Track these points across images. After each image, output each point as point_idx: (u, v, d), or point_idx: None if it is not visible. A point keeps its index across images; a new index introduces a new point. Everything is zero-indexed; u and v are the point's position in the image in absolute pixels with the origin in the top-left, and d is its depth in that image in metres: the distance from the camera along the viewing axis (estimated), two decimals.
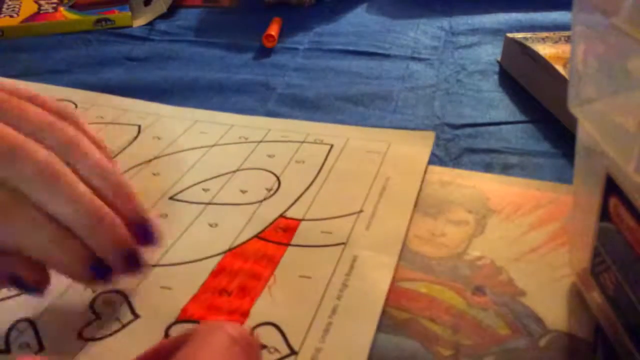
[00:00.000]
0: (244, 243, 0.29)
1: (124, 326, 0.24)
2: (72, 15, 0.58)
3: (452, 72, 0.49)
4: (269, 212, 0.31)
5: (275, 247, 0.29)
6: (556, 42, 0.45)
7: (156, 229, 0.25)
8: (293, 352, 0.23)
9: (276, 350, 0.23)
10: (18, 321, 0.24)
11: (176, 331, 0.24)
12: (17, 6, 0.60)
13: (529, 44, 0.44)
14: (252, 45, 0.54)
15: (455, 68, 0.49)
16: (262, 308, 0.25)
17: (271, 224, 0.30)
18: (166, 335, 0.24)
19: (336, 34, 0.57)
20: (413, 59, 0.52)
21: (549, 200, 0.32)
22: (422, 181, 0.34)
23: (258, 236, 0.30)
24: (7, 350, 0.23)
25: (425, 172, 0.34)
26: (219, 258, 0.28)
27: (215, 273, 0.27)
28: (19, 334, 0.24)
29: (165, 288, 0.26)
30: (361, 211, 0.31)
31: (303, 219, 0.31)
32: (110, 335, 0.24)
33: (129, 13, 0.59)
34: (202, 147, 0.37)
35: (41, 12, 0.59)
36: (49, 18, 0.58)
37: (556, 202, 0.32)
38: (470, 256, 0.28)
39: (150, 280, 0.27)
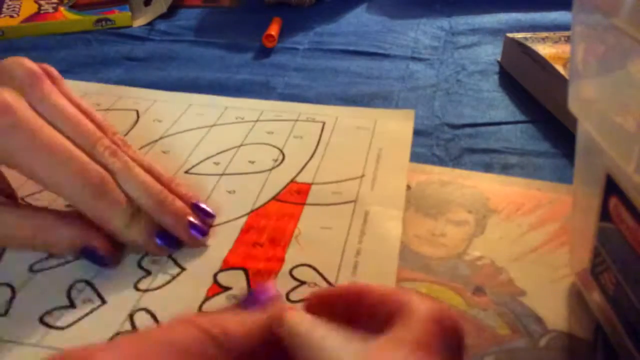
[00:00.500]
0: (263, 205, 0.32)
1: (174, 277, 0.27)
2: (72, 15, 0.58)
3: (452, 72, 0.49)
4: (280, 179, 0.34)
5: (293, 207, 0.31)
6: (556, 42, 0.45)
7: (208, 206, 0.30)
8: (331, 285, 0.26)
9: (316, 284, 0.26)
10: (75, 282, 0.26)
11: (223, 278, 0.27)
12: (17, 6, 0.60)
13: (529, 44, 0.44)
14: (252, 45, 0.54)
15: (455, 68, 0.49)
16: (294, 254, 0.28)
17: (284, 187, 0.33)
18: (215, 281, 0.26)
19: (336, 34, 0.57)
20: (413, 59, 0.51)
21: (549, 200, 0.32)
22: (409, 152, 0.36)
23: (275, 199, 0.32)
24: (72, 305, 0.25)
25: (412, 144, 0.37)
26: (245, 219, 0.30)
27: (245, 230, 0.30)
28: (79, 292, 0.26)
29: (205, 246, 0.29)
30: (363, 175, 0.34)
31: (313, 183, 0.33)
32: (164, 285, 0.26)
33: (129, 13, 0.59)
34: (202, 127, 0.39)
35: (41, 12, 0.59)
36: (49, 18, 0.58)
37: (556, 202, 0.32)
38: (470, 256, 0.28)
39: None
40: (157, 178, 0.29)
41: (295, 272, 0.27)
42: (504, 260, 0.28)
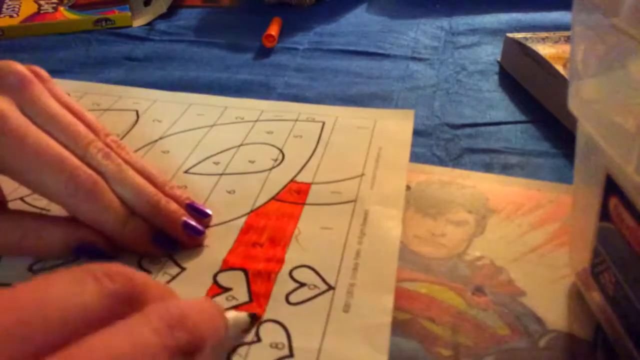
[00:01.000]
0: (263, 205, 0.31)
1: (173, 278, 0.27)
2: (72, 15, 0.58)
3: (452, 72, 0.49)
4: (280, 178, 0.34)
5: (293, 207, 0.31)
6: (556, 42, 0.45)
7: (203, 206, 0.30)
8: (330, 288, 0.26)
9: (315, 286, 0.26)
10: None
11: (223, 278, 0.27)
12: (17, 6, 0.60)
13: (529, 44, 0.44)
14: (252, 45, 0.54)
15: (455, 68, 0.49)
16: (294, 254, 0.28)
17: (284, 187, 0.33)
18: (214, 282, 0.26)
19: (336, 34, 0.57)
20: (413, 59, 0.51)
21: (549, 200, 0.32)
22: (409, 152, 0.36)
23: (275, 198, 0.32)
24: None
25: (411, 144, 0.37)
26: (244, 218, 0.30)
27: (245, 231, 0.30)
28: None
29: (202, 246, 0.29)
30: (363, 175, 0.34)
31: (313, 183, 0.33)
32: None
33: (129, 13, 0.59)
34: (202, 127, 0.39)
35: (41, 12, 0.59)
36: (49, 18, 0.58)
37: (556, 202, 0.32)
38: (470, 256, 0.28)
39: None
40: (151, 180, 0.29)
41: (295, 274, 0.27)
42: (504, 260, 0.28)
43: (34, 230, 0.26)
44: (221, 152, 0.36)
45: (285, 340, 0.23)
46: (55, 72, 0.49)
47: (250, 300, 0.25)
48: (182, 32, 0.58)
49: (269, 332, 0.24)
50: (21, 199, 0.31)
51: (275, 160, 0.35)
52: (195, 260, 0.28)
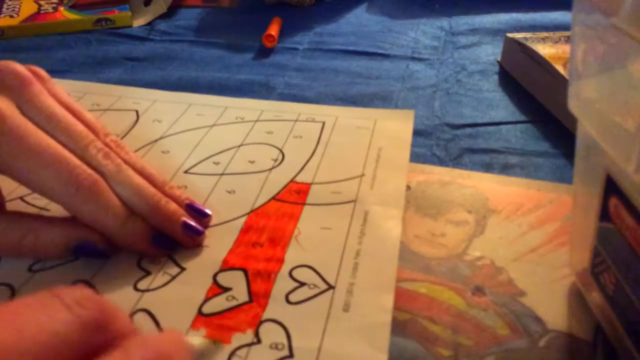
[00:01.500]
0: (263, 205, 0.31)
1: (173, 278, 0.27)
2: (72, 15, 0.58)
3: (452, 72, 0.49)
4: (280, 178, 0.34)
5: (293, 207, 0.31)
6: (556, 42, 0.45)
7: (203, 206, 0.30)
8: (330, 287, 0.26)
9: (315, 286, 0.26)
10: (74, 282, 0.26)
11: (223, 278, 0.27)
12: (17, 6, 0.60)
13: (529, 44, 0.44)
14: (252, 45, 0.54)
15: (455, 68, 0.49)
16: (294, 254, 0.28)
17: (284, 187, 0.33)
18: (214, 281, 0.26)
19: (336, 34, 0.57)
20: (413, 59, 0.51)
21: (549, 200, 0.32)
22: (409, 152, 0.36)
23: (275, 198, 0.32)
24: None
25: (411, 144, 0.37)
26: (244, 218, 0.30)
27: (244, 231, 0.29)
28: None
29: (202, 246, 0.29)
30: (363, 175, 0.34)
31: (313, 183, 0.33)
32: (164, 285, 0.26)
33: (129, 13, 0.59)
34: (202, 127, 0.39)
35: (41, 12, 0.59)
36: (49, 18, 0.58)
37: (556, 202, 0.32)
38: (470, 256, 0.28)
39: None
40: (151, 180, 0.29)
41: (295, 273, 0.27)
42: (503, 260, 0.28)
43: (33, 230, 0.26)
44: (221, 152, 0.36)
45: (285, 341, 0.23)
46: (55, 72, 0.49)
47: (250, 300, 0.25)
48: (182, 32, 0.58)
49: (269, 332, 0.24)
50: (21, 198, 0.31)
51: (275, 160, 0.35)
52: (195, 260, 0.28)
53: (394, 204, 0.31)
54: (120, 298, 0.25)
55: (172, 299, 0.25)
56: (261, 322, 0.24)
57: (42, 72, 0.29)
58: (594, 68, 0.21)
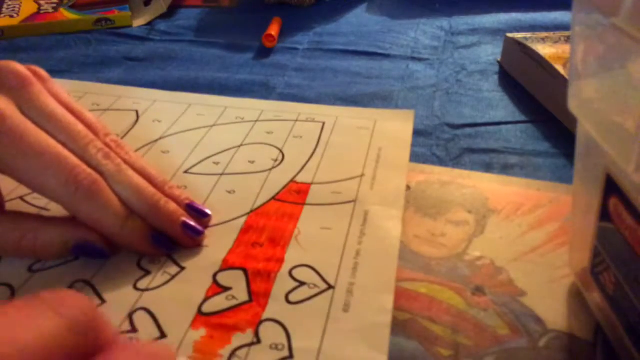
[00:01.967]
0: (263, 205, 0.31)
1: (173, 277, 0.27)
2: (72, 15, 0.58)
3: (452, 72, 0.49)
4: (280, 178, 0.34)
5: (293, 207, 0.31)
6: (556, 42, 0.45)
7: (203, 206, 0.30)
8: (330, 287, 0.26)
9: (315, 286, 0.26)
10: (74, 282, 0.26)
11: (223, 278, 0.27)
12: (17, 6, 0.60)
13: (529, 44, 0.44)
14: (252, 45, 0.54)
15: (455, 68, 0.49)
16: (294, 254, 0.28)
17: (284, 187, 0.33)
18: (214, 281, 0.26)
19: (336, 34, 0.57)
20: (413, 59, 0.51)
21: (549, 200, 0.32)
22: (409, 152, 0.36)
23: (275, 198, 0.32)
24: None
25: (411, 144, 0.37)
26: (244, 218, 0.30)
27: (244, 230, 0.30)
28: (78, 292, 0.25)
29: (202, 246, 0.29)
30: (363, 175, 0.34)
31: (313, 183, 0.33)
32: (164, 285, 0.26)
33: (129, 13, 0.59)
34: (202, 127, 0.39)
35: (41, 12, 0.59)
36: (49, 18, 0.58)
37: (556, 202, 0.32)
38: (470, 256, 0.28)
39: None
40: (151, 180, 0.29)
41: (295, 273, 0.27)
42: (503, 260, 0.28)
43: (33, 230, 0.26)
44: (221, 152, 0.36)
45: (285, 341, 0.23)
46: (55, 72, 0.49)
47: (250, 299, 0.25)
48: (182, 32, 0.58)
49: (269, 333, 0.24)
50: (21, 198, 0.31)
51: (275, 160, 0.35)
52: (195, 260, 0.28)
53: (394, 204, 0.31)
54: (120, 297, 0.25)
55: (172, 298, 0.25)
56: (261, 322, 0.24)
57: (42, 72, 0.29)
58: (594, 68, 0.21)
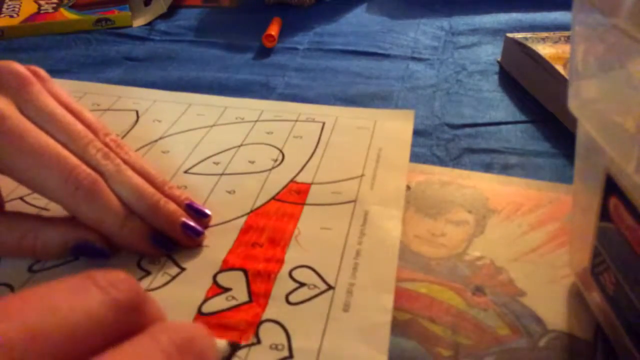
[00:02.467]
0: (263, 205, 0.31)
1: (173, 278, 0.27)
2: (72, 15, 0.58)
3: (452, 72, 0.49)
4: (279, 178, 0.34)
5: (293, 207, 0.31)
6: (556, 42, 0.45)
7: (203, 207, 0.30)
8: (330, 287, 0.26)
9: (315, 286, 0.26)
10: None
11: (223, 278, 0.27)
12: (17, 6, 0.60)
13: (529, 44, 0.44)
14: (252, 45, 0.54)
15: (455, 68, 0.49)
16: (294, 255, 0.28)
17: (284, 187, 0.33)
18: (214, 282, 0.26)
19: (336, 34, 0.57)
20: (413, 59, 0.51)
21: (549, 200, 0.32)
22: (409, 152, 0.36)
23: (275, 198, 0.32)
24: None
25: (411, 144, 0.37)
26: (244, 218, 0.30)
27: (244, 231, 0.29)
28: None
29: (202, 246, 0.29)
30: (363, 175, 0.34)
31: (312, 183, 0.33)
32: (164, 285, 0.26)
33: (129, 13, 0.59)
34: (202, 127, 0.39)
35: (41, 12, 0.59)
36: (49, 18, 0.58)
37: (556, 202, 0.32)
38: (470, 256, 0.28)
39: None
40: (150, 180, 0.29)
41: (295, 274, 0.27)
42: (504, 260, 0.28)
43: (33, 230, 0.26)
44: (221, 152, 0.36)
45: (284, 341, 0.23)
46: (55, 72, 0.49)
47: (250, 300, 0.25)
48: (182, 32, 0.58)
49: (269, 333, 0.24)
50: (21, 198, 0.31)
51: (275, 160, 0.35)
52: (195, 260, 0.28)
53: (394, 204, 0.31)
54: None
55: (172, 298, 0.25)
56: (261, 322, 0.24)
57: (42, 72, 0.29)
58: (594, 68, 0.21)
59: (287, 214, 0.31)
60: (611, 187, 0.21)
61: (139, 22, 0.60)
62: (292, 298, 0.25)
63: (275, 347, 0.23)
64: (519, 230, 0.30)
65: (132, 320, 0.15)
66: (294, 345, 0.23)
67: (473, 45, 0.54)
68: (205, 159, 0.35)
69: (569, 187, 0.33)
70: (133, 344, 0.15)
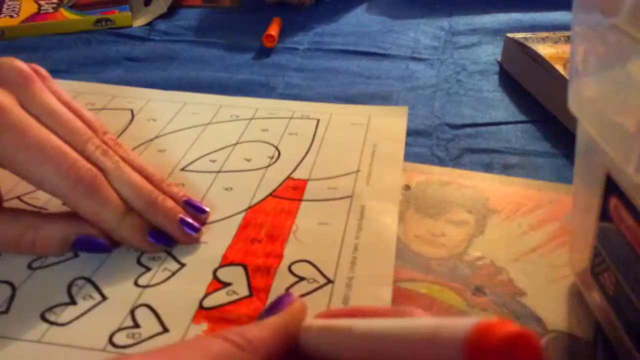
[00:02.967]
0: (260, 201, 0.32)
1: (173, 274, 0.27)
2: (72, 15, 0.58)
3: (452, 72, 0.49)
4: (276, 175, 0.34)
5: (290, 203, 0.31)
6: (556, 42, 0.45)
7: (200, 203, 0.30)
8: (329, 281, 0.26)
9: (314, 280, 0.26)
10: (75, 279, 0.26)
11: (223, 273, 0.27)
12: (17, 6, 0.60)
13: (529, 44, 0.44)
14: (252, 45, 0.54)
15: (455, 68, 0.49)
16: (292, 249, 0.28)
17: (281, 184, 0.33)
18: (215, 277, 0.26)
19: (336, 34, 0.57)
20: (413, 59, 0.51)
21: (549, 200, 0.32)
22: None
23: (272, 195, 0.32)
24: (72, 302, 0.25)
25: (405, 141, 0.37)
26: (242, 215, 0.31)
27: (243, 227, 0.30)
28: (79, 289, 0.26)
29: (201, 242, 0.29)
30: (358, 170, 0.34)
31: (309, 179, 0.33)
32: (164, 281, 0.26)
33: (129, 13, 0.59)
34: (198, 125, 0.39)
35: (41, 12, 0.59)
36: (49, 18, 0.58)
37: (556, 202, 0.32)
38: (470, 256, 0.28)
39: None
40: (148, 178, 0.29)
41: (294, 268, 0.27)
42: (504, 260, 0.28)
43: (32, 226, 0.26)
44: (217, 150, 0.36)
45: None
46: (55, 72, 0.48)
47: (251, 294, 0.25)
48: (182, 32, 0.58)
49: None
50: (18, 197, 0.31)
51: (272, 157, 0.35)
52: (195, 256, 0.28)
53: (390, 199, 0.31)
54: (121, 294, 0.25)
55: (172, 294, 0.26)
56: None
57: (43, 71, 0.29)
58: (594, 68, 0.21)
59: (285, 210, 0.31)
60: (611, 187, 0.21)
61: (139, 22, 0.60)
62: (292, 292, 0.25)
63: None
64: (519, 230, 0.30)
65: None
66: None
67: (473, 45, 0.54)
68: (202, 157, 0.35)
69: (569, 187, 0.33)
70: None
